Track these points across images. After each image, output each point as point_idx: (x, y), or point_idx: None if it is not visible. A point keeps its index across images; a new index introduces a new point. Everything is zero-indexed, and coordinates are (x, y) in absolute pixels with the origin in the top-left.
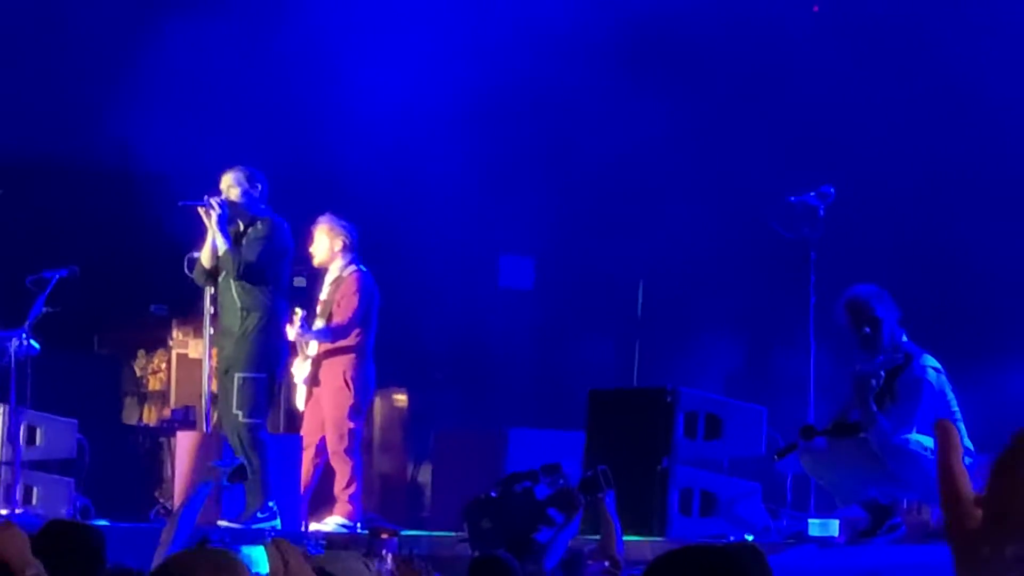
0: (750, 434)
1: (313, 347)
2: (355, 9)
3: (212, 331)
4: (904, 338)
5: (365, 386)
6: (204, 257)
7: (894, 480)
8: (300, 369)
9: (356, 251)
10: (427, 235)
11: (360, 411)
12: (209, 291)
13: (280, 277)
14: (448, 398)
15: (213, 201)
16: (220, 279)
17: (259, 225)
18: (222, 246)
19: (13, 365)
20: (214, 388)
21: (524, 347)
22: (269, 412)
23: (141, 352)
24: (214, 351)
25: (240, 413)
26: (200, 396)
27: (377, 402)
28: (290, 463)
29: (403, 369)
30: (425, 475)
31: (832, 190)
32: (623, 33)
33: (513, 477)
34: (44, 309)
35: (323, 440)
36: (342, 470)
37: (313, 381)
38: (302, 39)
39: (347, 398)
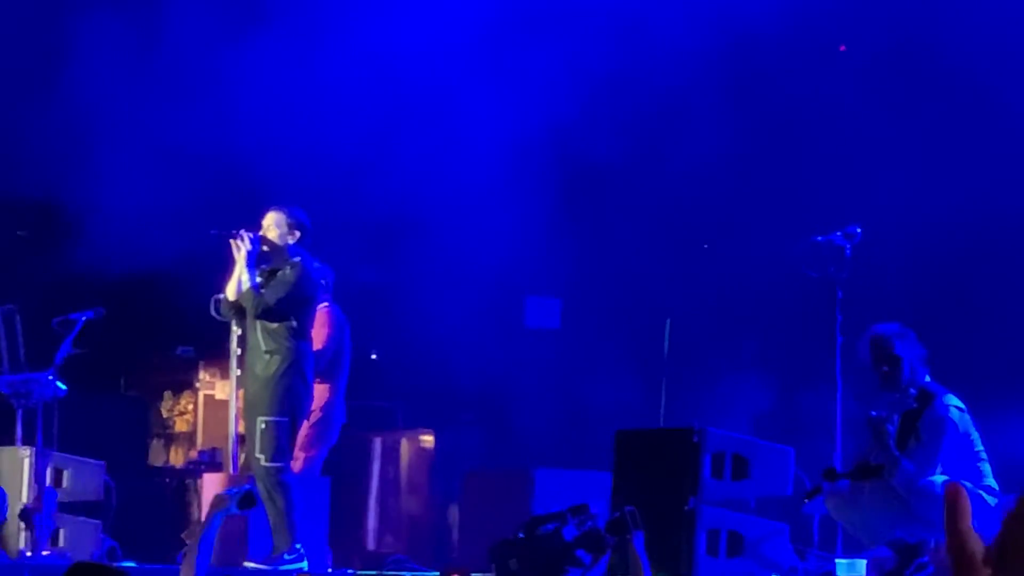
0: (777, 474)
1: None
2: (393, 52)
3: (239, 372)
4: (927, 378)
5: (326, 421)
6: (229, 289)
7: (920, 522)
8: None
9: (330, 292)
10: (453, 276)
11: (313, 444)
12: (236, 332)
13: (304, 323)
14: (475, 438)
15: (245, 235)
16: (247, 320)
17: (287, 270)
18: (246, 282)
19: (40, 407)
20: (241, 430)
21: (550, 387)
22: (291, 455)
23: (168, 394)
24: (240, 392)
25: (262, 457)
26: (227, 437)
27: (404, 443)
28: (316, 505)
29: (430, 410)
30: (452, 516)
31: (859, 230)
32: (649, 77)
33: (541, 518)
34: (71, 351)
35: None
36: None
37: None
38: (332, 77)
39: (303, 427)
